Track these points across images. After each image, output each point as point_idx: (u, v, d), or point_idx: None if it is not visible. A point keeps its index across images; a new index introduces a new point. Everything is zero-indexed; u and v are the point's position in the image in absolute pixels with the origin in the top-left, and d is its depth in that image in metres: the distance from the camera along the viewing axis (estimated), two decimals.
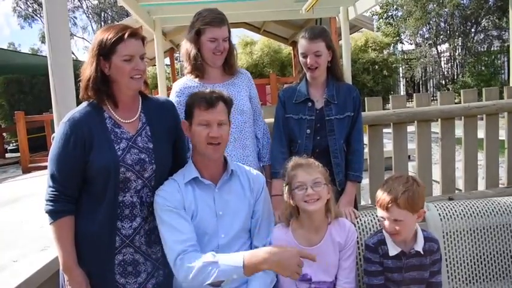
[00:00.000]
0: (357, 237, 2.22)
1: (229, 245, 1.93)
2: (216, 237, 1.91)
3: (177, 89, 2.49)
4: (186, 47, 2.47)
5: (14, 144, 12.53)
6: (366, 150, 3.35)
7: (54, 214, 1.79)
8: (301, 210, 1.97)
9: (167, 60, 13.08)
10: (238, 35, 16.80)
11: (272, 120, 2.89)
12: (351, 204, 2.47)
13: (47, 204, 1.79)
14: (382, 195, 1.92)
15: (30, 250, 2.77)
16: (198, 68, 2.46)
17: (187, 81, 2.50)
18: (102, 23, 27.79)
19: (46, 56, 2.53)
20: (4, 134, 12.92)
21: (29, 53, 24.01)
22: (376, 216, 2.27)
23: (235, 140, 2.43)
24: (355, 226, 2.24)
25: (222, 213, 1.93)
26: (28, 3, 27.50)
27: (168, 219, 1.83)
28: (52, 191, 1.79)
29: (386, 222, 1.92)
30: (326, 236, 2.00)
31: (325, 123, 2.51)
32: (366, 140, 3.41)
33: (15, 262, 2.55)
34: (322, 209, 1.97)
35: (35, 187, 5.87)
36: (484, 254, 2.31)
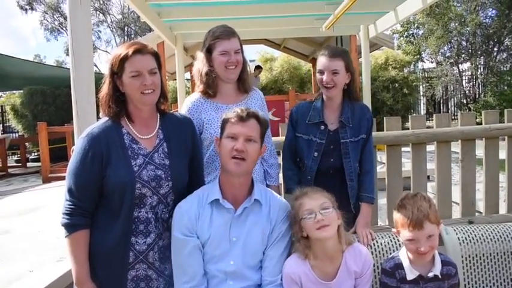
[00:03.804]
0: (374, 260, 2.18)
1: (236, 275, 1.88)
2: (225, 263, 1.88)
3: (189, 105, 2.43)
4: (198, 66, 2.44)
5: (36, 153, 12.76)
6: (384, 169, 3.31)
7: (70, 227, 1.80)
8: (313, 240, 1.90)
9: (188, 75, 13.23)
10: (258, 51, 16.94)
11: None
12: (368, 226, 2.43)
13: (63, 218, 1.81)
14: (412, 216, 1.86)
15: (46, 260, 2.80)
16: (210, 86, 2.39)
17: (199, 98, 2.44)
18: (126, 37, 28.33)
19: (69, 68, 2.59)
20: (26, 144, 13.18)
21: (54, 65, 24.52)
22: (395, 237, 2.23)
23: None
24: (371, 248, 2.21)
25: (236, 239, 1.90)
26: (55, 16, 28.25)
27: (179, 249, 1.87)
28: (69, 205, 1.81)
29: (421, 245, 1.85)
30: (342, 267, 1.93)
31: (340, 145, 2.48)
32: (384, 159, 3.37)
33: (31, 272, 2.58)
34: (335, 236, 1.91)
35: (54, 197, 5.95)
36: (504, 281, 2.25)
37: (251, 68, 10.41)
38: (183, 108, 2.51)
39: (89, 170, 1.80)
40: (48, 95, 12.91)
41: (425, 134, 3.20)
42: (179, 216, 1.89)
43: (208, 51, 2.38)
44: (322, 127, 2.49)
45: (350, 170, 2.50)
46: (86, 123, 2.38)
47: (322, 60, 2.43)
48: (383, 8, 6.05)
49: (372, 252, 2.22)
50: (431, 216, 1.87)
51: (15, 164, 12.45)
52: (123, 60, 1.81)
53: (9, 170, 10.87)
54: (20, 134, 14.28)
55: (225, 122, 1.95)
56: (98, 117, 2.01)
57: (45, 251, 3.11)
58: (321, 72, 2.43)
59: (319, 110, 2.51)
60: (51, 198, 6.06)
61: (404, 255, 1.97)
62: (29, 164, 12.17)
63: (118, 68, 1.83)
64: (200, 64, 2.42)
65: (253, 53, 14.75)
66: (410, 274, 1.92)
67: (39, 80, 12.40)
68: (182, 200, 1.93)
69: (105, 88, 1.88)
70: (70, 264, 1.83)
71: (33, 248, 3.39)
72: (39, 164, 9.89)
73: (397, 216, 1.95)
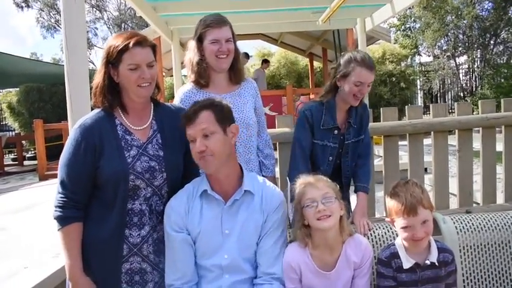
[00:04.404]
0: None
1: (232, 268, 1.85)
2: (219, 257, 1.85)
3: (181, 96, 2.39)
4: (189, 55, 2.39)
5: (33, 152, 12.72)
6: (381, 162, 3.30)
7: (63, 220, 1.78)
8: (314, 229, 1.88)
9: (185, 71, 13.17)
10: (255, 47, 16.94)
11: (286, 130, 2.86)
12: (365, 216, 2.42)
13: (55, 210, 1.79)
14: (406, 202, 1.85)
15: (42, 257, 2.79)
16: (202, 75, 2.34)
17: (192, 89, 2.39)
18: None
19: None
20: (23, 142, 13.13)
21: (50, 62, 24.42)
22: (391, 228, 2.22)
23: (240, 154, 2.34)
24: (368, 238, 2.20)
25: (229, 232, 1.86)
26: (51, 14, 28.09)
27: (170, 244, 1.86)
28: (61, 197, 1.78)
29: (417, 232, 1.84)
30: (341, 257, 1.91)
31: (344, 146, 2.52)
32: (381, 152, 3.36)
33: (26, 268, 2.56)
34: (337, 226, 1.89)
35: (50, 194, 5.93)
36: (502, 269, 2.24)
37: (243, 58, 10.42)
38: (175, 98, 2.46)
39: (81, 161, 1.77)
40: (44, 93, 12.85)
41: (422, 124, 3.20)
42: (168, 214, 1.87)
43: (199, 40, 2.34)
44: (336, 132, 2.48)
45: (347, 168, 2.56)
46: (80, 117, 2.35)
47: (363, 74, 2.31)
48: (379, 1, 6.03)
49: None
50: (425, 202, 1.86)
51: (11, 163, 12.41)
52: (122, 51, 1.77)
53: (6, 169, 10.84)
54: (16, 132, 14.23)
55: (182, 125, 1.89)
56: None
57: (41, 248, 3.10)
58: (359, 84, 2.33)
59: (332, 114, 2.47)
60: (48, 196, 6.03)
61: (400, 244, 1.96)
62: (25, 162, 12.13)
63: (115, 59, 1.78)
64: (191, 53, 2.38)
65: (251, 48, 14.77)
66: (407, 262, 1.91)
67: (36, 77, 12.35)
68: (172, 197, 1.91)
69: (99, 77, 1.83)
70: (63, 258, 1.81)
71: (29, 245, 3.38)
72: (36, 162, 9.86)
73: (390, 204, 1.94)
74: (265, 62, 12.67)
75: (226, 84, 2.43)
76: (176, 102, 2.40)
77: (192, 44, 2.38)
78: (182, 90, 2.42)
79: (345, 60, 2.38)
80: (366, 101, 3.05)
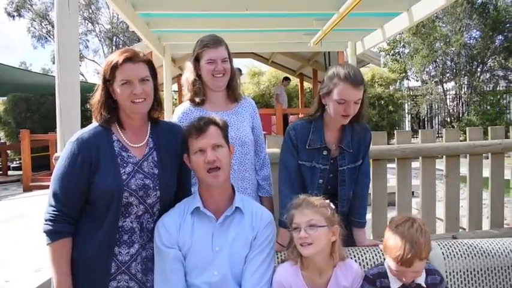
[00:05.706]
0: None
1: (220, 285, 1.83)
2: (208, 273, 1.84)
3: (179, 115, 2.41)
4: (186, 75, 2.46)
5: (18, 162, 12.54)
6: (370, 185, 3.32)
7: (53, 235, 1.74)
8: None
9: (175, 87, 13.20)
10: (246, 65, 17.06)
11: (276, 150, 2.87)
12: (372, 242, 2.41)
13: (46, 224, 1.75)
14: (404, 254, 1.77)
15: (24, 270, 2.73)
16: (197, 93, 2.41)
17: (189, 107, 2.43)
18: (114, 47, 28.20)
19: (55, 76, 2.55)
20: (8, 152, 12.95)
21: (40, 72, 24.24)
22: (380, 251, 2.22)
23: (235, 171, 2.35)
24: (356, 261, 2.19)
25: (219, 249, 1.86)
26: (42, 24, 28.06)
27: (161, 260, 1.84)
28: (53, 211, 1.75)
29: (405, 277, 1.83)
30: (331, 281, 1.89)
31: (338, 173, 2.33)
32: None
33: (8, 282, 2.51)
34: (326, 251, 1.87)
35: (34, 206, 5.84)
36: None
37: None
38: (173, 118, 2.49)
39: (76, 175, 1.75)
40: (32, 103, 12.77)
41: (411, 149, 3.23)
42: (159, 230, 1.86)
43: (196, 60, 2.41)
44: (325, 152, 2.31)
45: (344, 197, 2.39)
46: (70, 130, 2.34)
47: (346, 89, 2.10)
48: (370, 26, 6.14)
49: None
50: (423, 254, 1.80)
51: None
52: (114, 68, 1.78)
53: None
54: (1, 141, 14.05)
55: (186, 139, 1.92)
56: (82, 125, 1.98)
57: (23, 261, 3.04)
58: (343, 101, 2.12)
59: (320, 132, 2.30)
60: (31, 207, 5.94)
61: (388, 266, 1.94)
62: (10, 172, 11.96)
63: (110, 76, 1.80)
64: (188, 73, 2.44)
65: (242, 66, 14.89)
66: (394, 283, 1.90)
67: (24, 87, 12.26)
68: (164, 214, 1.90)
69: (97, 95, 1.84)
70: (51, 274, 1.77)
71: (12, 257, 3.31)
72: (20, 172, 9.72)
73: (389, 242, 1.86)
74: (287, 79, 13.05)
75: (223, 102, 2.48)
76: (174, 121, 2.41)
77: (189, 64, 2.44)
78: (180, 110, 2.45)
79: (328, 76, 2.20)
80: None
